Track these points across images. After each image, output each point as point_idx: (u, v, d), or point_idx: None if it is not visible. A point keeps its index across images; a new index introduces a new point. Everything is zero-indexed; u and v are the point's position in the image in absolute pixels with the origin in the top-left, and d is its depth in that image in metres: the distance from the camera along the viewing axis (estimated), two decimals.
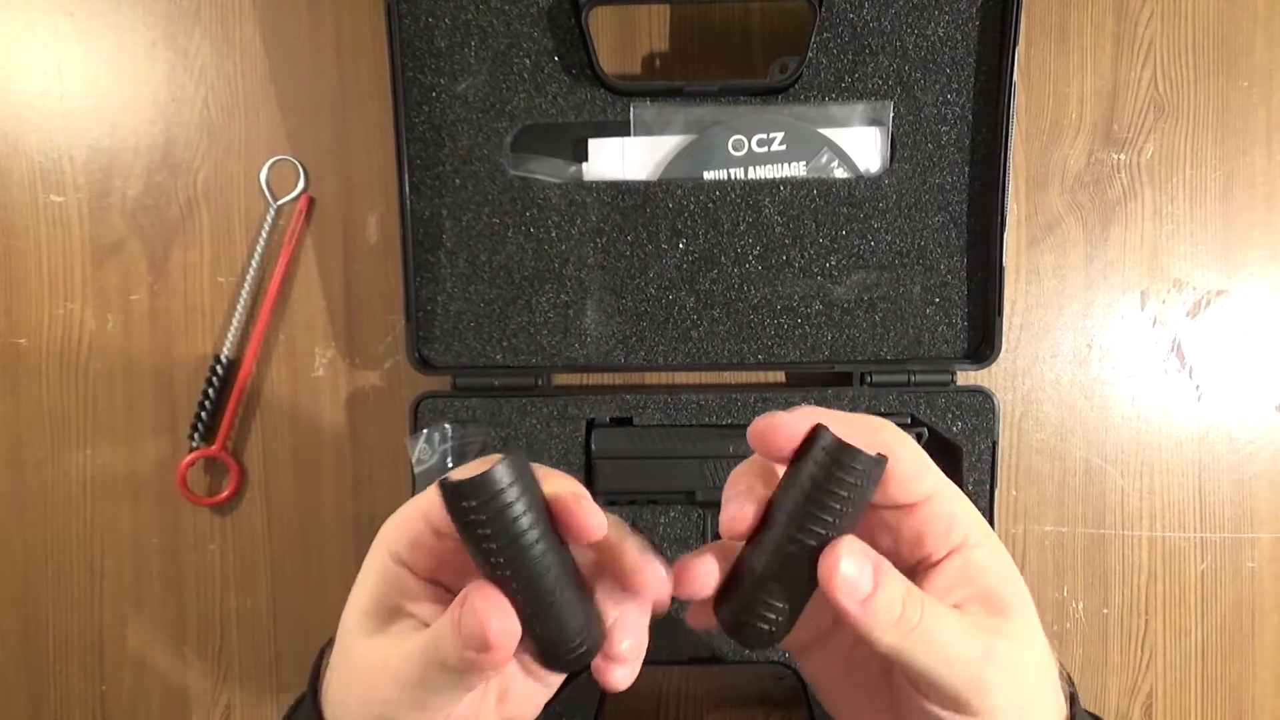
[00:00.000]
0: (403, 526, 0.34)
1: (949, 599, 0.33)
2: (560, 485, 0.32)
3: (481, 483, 0.29)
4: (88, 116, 0.64)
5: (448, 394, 0.61)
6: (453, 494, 0.30)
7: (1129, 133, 0.64)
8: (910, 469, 0.33)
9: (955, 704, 0.32)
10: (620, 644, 0.34)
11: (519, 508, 0.30)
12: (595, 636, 0.33)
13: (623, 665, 0.34)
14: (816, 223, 0.60)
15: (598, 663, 0.34)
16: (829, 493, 0.31)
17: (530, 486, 0.31)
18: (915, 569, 0.34)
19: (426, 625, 0.33)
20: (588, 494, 0.33)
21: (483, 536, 0.30)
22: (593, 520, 0.32)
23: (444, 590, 0.35)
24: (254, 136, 0.64)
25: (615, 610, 0.34)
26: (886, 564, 0.32)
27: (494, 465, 0.29)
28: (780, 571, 0.32)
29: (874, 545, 0.32)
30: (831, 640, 0.37)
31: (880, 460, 0.31)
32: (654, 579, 0.33)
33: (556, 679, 0.37)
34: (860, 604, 0.31)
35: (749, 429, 0.33)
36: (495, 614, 0.30)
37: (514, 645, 0.31)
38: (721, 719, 0.66)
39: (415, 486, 0.60)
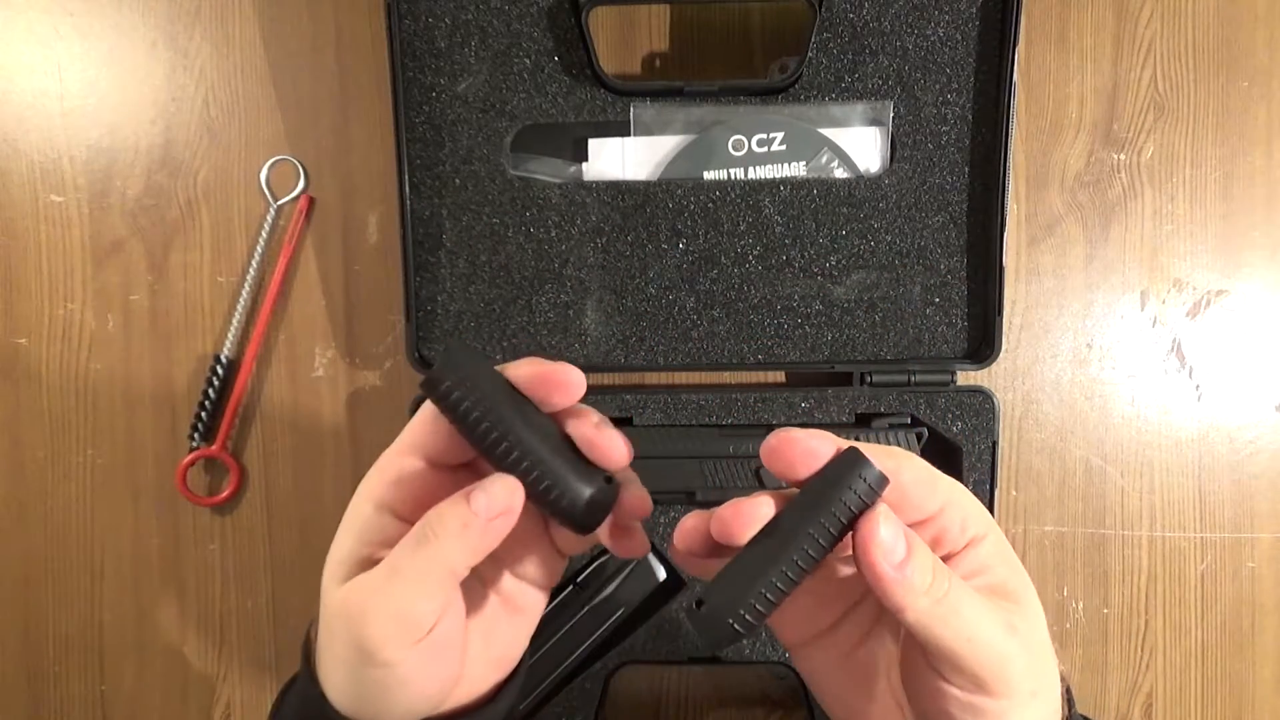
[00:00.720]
0: (384, 470, 0.35)
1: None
2: (524, 363, 0.34)
3: (450, 359, 0.32)
4: (88, 116, 0.64)
5: None
6: (432, 383, 0.32)
7: (1129, 133, 0.64)
8: (923, 488, 0.33)
9: (975, 682, 0.32)
10: (632, 492, 0.35)
11: (496, 379, 0.33)
12: (610, 487, 0.34)
13: (638, 511, 0.35)
14: (816, 223, 0.60)
15: (616, 532, 0.35)
16: (842, 505, 0.32)
17: (492, 369, 0.33)
18: None
19: None
20: (553, 363, 0.34)
21: (473, 414, 0.32)
22: (572, 377, 0.33)
23: None
24: (254, 136, 0.64)
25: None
26: (916, 536, 0.32)
27: (448, 345, 0.31)
28: (778, 573, 0.32)
29: None
30: (832, 637, 0.38)
31: (885, 478, 0.32)
32: (616, 446, 0.34)
33: (536, 608, 0.38)
34: (895, 568, 0.31)
35: (764, 444, 0.33)
36: (503, 479, 0.32)
37: (518, 506, 0.32)
38: (721, 719, 0.66)
39: None
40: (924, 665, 0.34)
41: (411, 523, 0.33)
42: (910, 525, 0.33)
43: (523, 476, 0.33)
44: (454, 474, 0.35)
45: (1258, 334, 0.65)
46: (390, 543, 0.33)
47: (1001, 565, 0.34)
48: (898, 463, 0.33)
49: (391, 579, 0.32)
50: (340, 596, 0.33)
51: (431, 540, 0.32)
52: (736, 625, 0.31)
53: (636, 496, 0.35)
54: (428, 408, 0.34)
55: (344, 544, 0.35)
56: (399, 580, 0.32)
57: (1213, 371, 0.65)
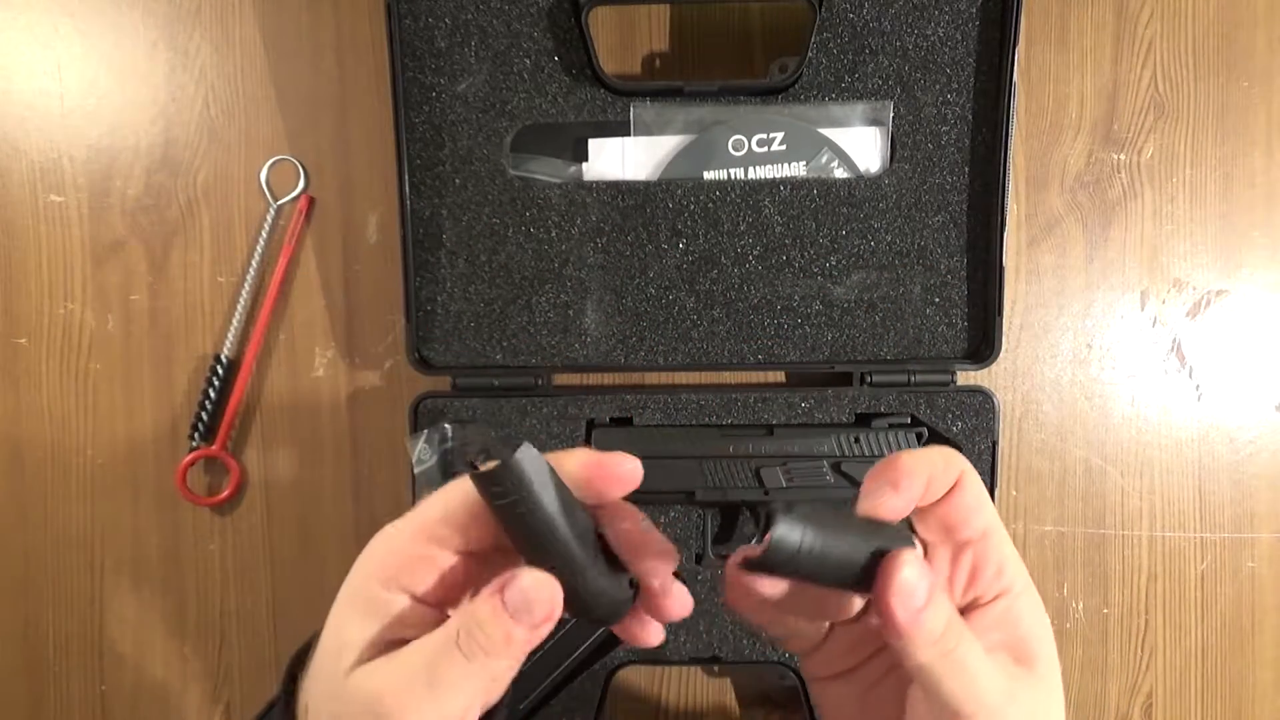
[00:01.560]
0: (396, 551, 0.33)
1: (982, 640, 0.33)
2: (579, 455, 0.34)
3: (512, 464, 0.31)
4: (87, 116, 0.64)
5: (448, 394, 0.61)
6: (487, 480, 0.31)
7: (1129, 133, 0.64)
8: (973, 502, 0.34)
9: None
10: (660, 595, 0.34)
11: (547, 475, 0.32)
12: (628, 593, 0.34)
13: (678, 614, 0.35)
14: (816, 223, 0.60)
15: (636, 624, 0.35)
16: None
17: (547, 467, 0.33)
18: (962, 610, 0.35)
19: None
20: (608, 455, 0.34)
21: (522, 512, 0.31)
22: (630, 472, 0.34)
23: (443, 613, 0.34)
24: (254, 136, 0.64)
25: (645, 572, 0.34)
26: (939, 585, 0.32)
27: (520, 448, 0.32)
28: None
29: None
30: (857, 673, 0.38)
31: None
32: (666, 551, 0.34)
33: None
34: (912, 613, 0.31)
35: (881, 470, 0.33)
36: (543, 585, 0.31)
37: (558, 613, 0.32)
38: (721, 719, 0.66)
39: (415, 486, 0.60)
40: (925, 711, 0.34)
41: (431, 605, 0.33)
42: (953, 544, 0.34)
43: (557, 576, 0.32)
44: (478, 556, 0.34)
45: (1258, 334, 0.65)
46: (409, 625, 0.32)
47: (1027, 625, 0.34)
48: (962, 471, 0.33)
49: (435, 690, 0.31)
50: (368, 690, 0.32)
51: (480, 656, 0.31)
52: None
53: (679, 602, 0.35)
54: (458, 495, 0.33)
55: (351, 624, 0.33)
56: (444, 692, 0.31)
57: (1213, 371, 0.65)
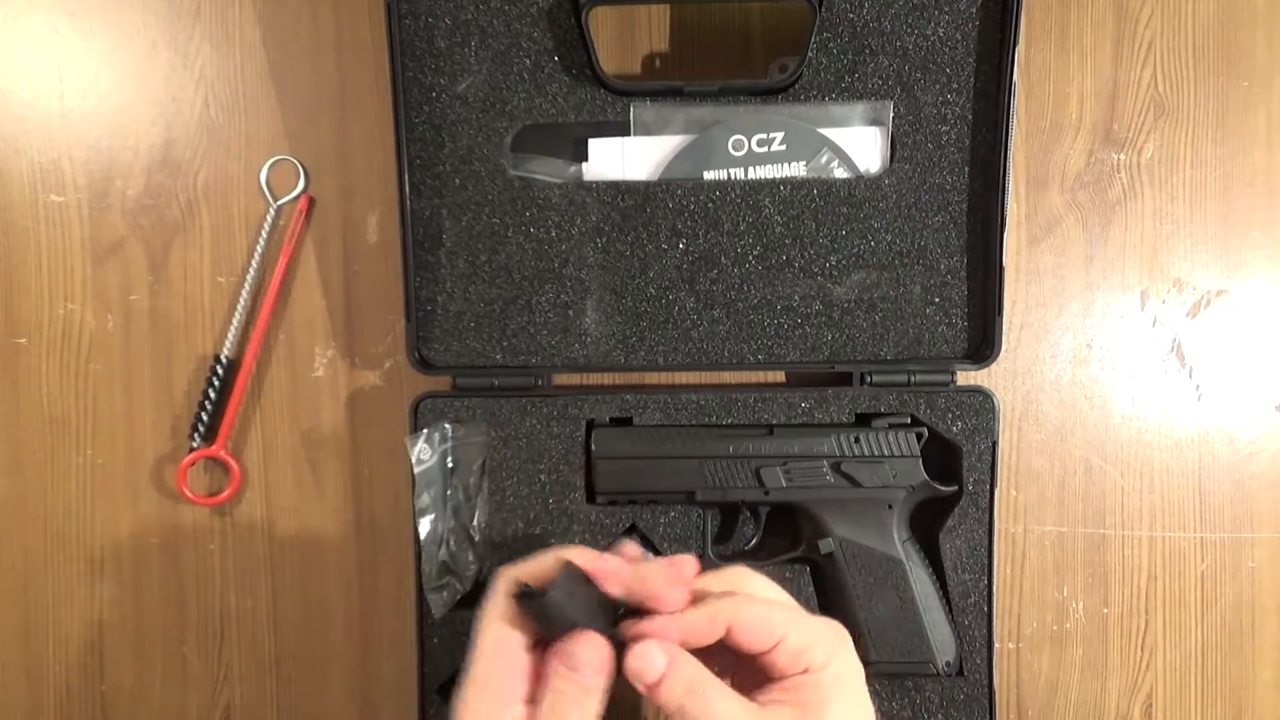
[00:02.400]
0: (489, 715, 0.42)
1: (772, 697, 0.42)
2: (621, 572, 0.43)
3: (549, 601, 0.41)
4: (87, 116, 0.64)
5: (448, 394, 0.61)
6: (530, 609, 0.42)
7: (1129, 133, 0.64)
8: (749, 637, 0.42)
9: None
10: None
11: (579, 602, 0.42)
12: None
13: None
14: (816, 223, 0.60)
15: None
16: None
17: (581, 586, 0.42)
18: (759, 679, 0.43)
19: None
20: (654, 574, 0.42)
21: (556, 627, 0.41)
22: (673, 596, 0.42)
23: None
24: (254, 136, 0.64)
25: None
26: (678, 654, 0.42)
27: (555, 585, 0.41)
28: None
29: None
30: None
31: None
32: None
33: None
34: (648, 685, 0.41)
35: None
36: (593, 650, 0.41)
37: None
38: None
39: (415, 486, 0.60)
40: None
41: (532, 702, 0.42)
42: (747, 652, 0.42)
43: None
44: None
45: (1258, 334, 0.65)
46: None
47: (820, 692, 0.41)
48: (733, 609, 0.42)
49: None
50: None
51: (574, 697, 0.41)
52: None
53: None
54: (501, 650, 0.42)
55: None
56: None
57: (1213, 371, 0.65)
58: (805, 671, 0.42)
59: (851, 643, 0.44)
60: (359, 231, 0.64)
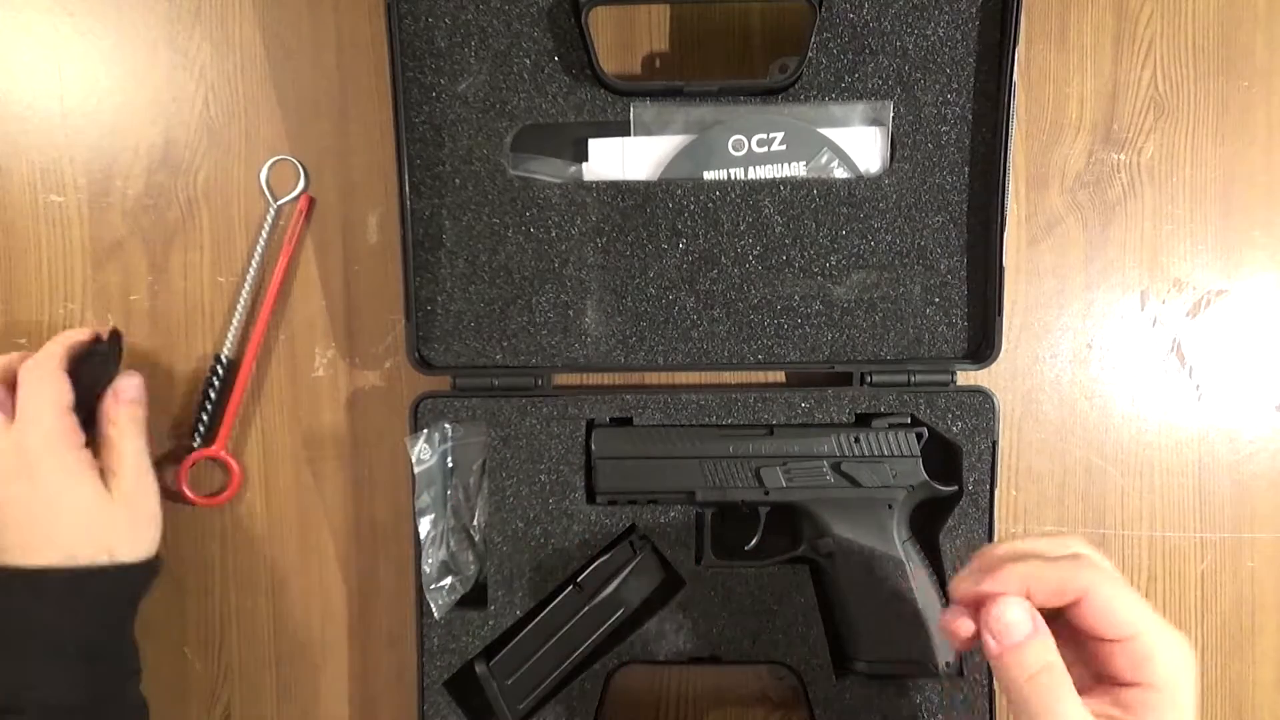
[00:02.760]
0: None
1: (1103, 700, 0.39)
2: None
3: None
4: (88, 116, 0.64)
5: (448, 394, 0.61)
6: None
7: (1129, 133, 0.64)
8: (1106, 606, 0.39)
9: None
10: None
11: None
12: None
13: None
14: (816, 223, 0.60)
15: None
16: None
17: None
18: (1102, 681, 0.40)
19: None
20: None
21: None
22: None
23: None
24: (254, 136, 0.64)
25: None
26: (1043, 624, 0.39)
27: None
28: None
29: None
30: None
31: None
32: None
33: None
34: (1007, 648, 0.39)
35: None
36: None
37: None
38: (721, 719, 0.65)
39: (415, 486, 0.60)
40: None
41: None
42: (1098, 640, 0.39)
43: None
44: None
45: (1258, 334, 0.65)
46: None
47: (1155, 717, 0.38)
48: (1093, 581, 0.39)
49: None
50: None
51: None
52: None
53: None
54: None
55: None
56: None
57: (1213, 371, 0.65)
58: (1138, 686, 0.38)
59: (1195, 669, 0.40)
60: (359, 231, 0.64)
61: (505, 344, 0.61)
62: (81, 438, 0.56)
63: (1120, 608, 0.38)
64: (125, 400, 0.57)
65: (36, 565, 0.53)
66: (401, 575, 0.64)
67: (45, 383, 0.54)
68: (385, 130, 0.60)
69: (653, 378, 0.64)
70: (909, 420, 0.60)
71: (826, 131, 0.60)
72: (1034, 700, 0.37)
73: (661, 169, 0.60)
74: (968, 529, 0.60)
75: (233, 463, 0.64)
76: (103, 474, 0.56)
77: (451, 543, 0.61)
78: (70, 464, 0.54)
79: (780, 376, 0.65)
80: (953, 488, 0.60)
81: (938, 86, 0.59)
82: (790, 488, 0.59)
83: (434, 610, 0.60)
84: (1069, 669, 0.38)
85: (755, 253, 0.60)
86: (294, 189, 0.64)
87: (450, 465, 0.61)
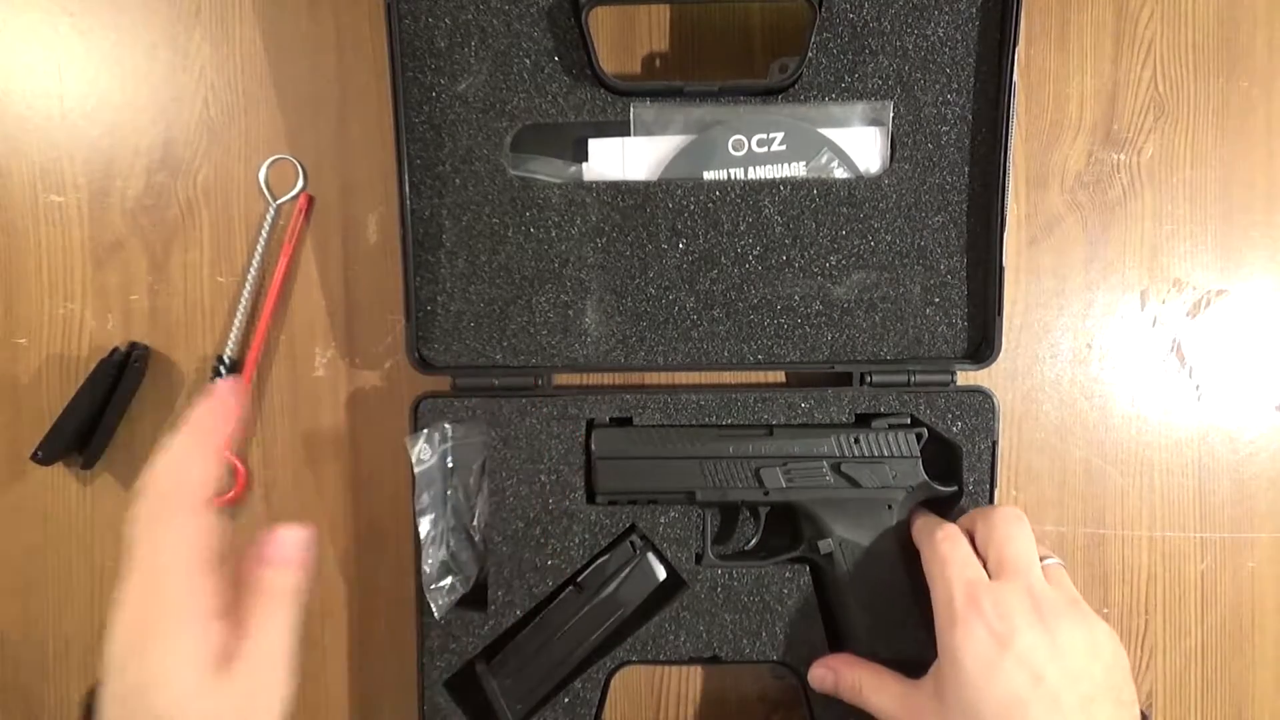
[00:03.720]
0: None
1: None
2: None
3: None
4: (88, 116, 0.64)
5: (448, 394, 0.61)
6: None
7: (1129, 133, 0.64)
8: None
9: None
10: None
11: None
12: None
13: None
14: (816, 223, 0.60)
15: None
16: None
17: None
18: None
19: None
20: None
21: None
22: None
23: None
24: (254, 136, 0.64)
25: None
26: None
27: None
28: None
29: None
30: None
31: None
32: None
33: None
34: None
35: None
36: None
37: None
38: (721, 718, 0.66)
39: (415, 486, 0.60)
40: None
41: None
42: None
43: None
44: None
45: (1258, 334, 0.65)
46: None
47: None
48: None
49: None
50: None
51: None
52: None
53: None
54: None
55: None
56: None
57: (1213, 371, 0.65)
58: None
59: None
60: (359, 231, 0.64)
61: (505, 344, 0.61)
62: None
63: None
64: (279, 561, 0.43)
65: None
66: (401, 575, 0.64)
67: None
68: (385, 130, 0.60)
69: (653, 378, 0.64)
70: (909, 420, 0.60)
71: (826, 131, 0.60)
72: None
73: (661, 169, 0.60)
74: None
75: (238, 464, 0.64)
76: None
77: (451, 543, 0.61)
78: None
79: (780, 377, 0.65)
80: (952, 488, 0.60)
81: (938, 86, 0.59)
82: (790, 488, 0.59)
83: (434, 610, 0.60)
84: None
85: (755, 253, 0.60)
86: (293, 188, 0.64)
87: (450, 465, 0.61)
